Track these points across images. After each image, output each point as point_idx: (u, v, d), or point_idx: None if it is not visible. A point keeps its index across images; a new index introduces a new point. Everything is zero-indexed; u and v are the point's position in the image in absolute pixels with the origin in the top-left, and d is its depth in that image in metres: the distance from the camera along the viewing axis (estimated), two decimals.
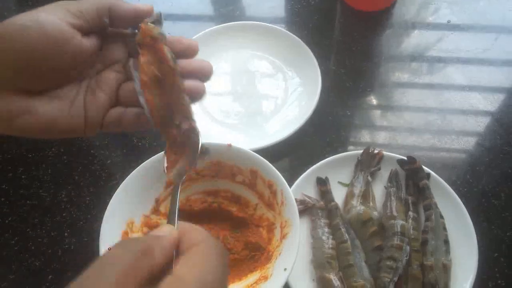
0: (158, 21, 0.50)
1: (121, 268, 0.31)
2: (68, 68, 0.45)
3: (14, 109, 0.42)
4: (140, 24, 0.48)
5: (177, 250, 0.37)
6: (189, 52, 0.50)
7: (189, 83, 0.49)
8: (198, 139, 0.49)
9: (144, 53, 0.47)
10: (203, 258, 0.35)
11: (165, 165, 0.48)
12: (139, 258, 0.33)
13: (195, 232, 0.38)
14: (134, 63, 0.48)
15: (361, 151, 0.83)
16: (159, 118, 0.48)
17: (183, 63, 0.49)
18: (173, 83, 0.47)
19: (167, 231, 0.38)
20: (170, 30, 1.10)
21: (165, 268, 0.35)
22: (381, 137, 0.91)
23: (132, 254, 0.32)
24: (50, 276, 0.79)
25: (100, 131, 0.48)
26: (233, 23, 1.05)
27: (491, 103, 0.93)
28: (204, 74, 0.51)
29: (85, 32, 0.45)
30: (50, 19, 0.42)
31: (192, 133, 0.49)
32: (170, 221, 0.42)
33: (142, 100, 0.47)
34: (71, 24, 0.43)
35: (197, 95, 0.49)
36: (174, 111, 0.48)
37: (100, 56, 0.49)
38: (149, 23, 0.48)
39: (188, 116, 0.49)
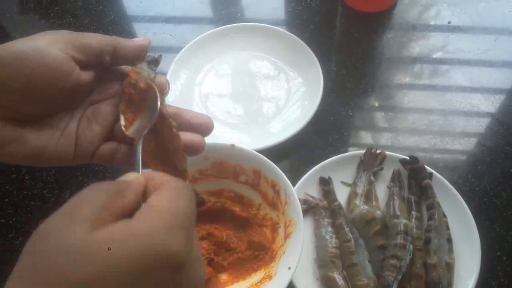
0: (158, 60, 0.50)
1: (97, 205, 0.33)
2: (63, 99, 0.44)
3: (3, 136, 0.42)
4: (129, 73, 0.48)
5: (143, 196, 0.38)
6: (203, 130, 0.50)
7: (188, 137, 0.49)
8: (156, 96, 0.48)
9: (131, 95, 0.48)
10: (172, 191, 0.36)
11: (123, 123, 0.48)
12: (113, 197, 0.34)
13: (160, 175, 0.39)
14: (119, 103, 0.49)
15: (364, 151, 0.83)
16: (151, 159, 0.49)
17: (186, 115, 0.50)
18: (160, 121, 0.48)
19: (133, 176, 0.38)
20: (171, 32, 1.11)
21: (136, 208, 0.36)
22: (383, 137, 0.91)
23: (106, 194, 0.34)
24: None
25: (89, 162, 0.48)
26: (234, 24, 1.06)
27: (492, 103, 0.94)
28: (204, 129, 0.51)
29: (85, 66, 0.44)
30: (52, 50, 0.41)
31: (150, 92, 0.48)
32: (135, 170, 0.43)
33: None
34: (73, 57, 0.43)
35: (195, 149, 0.49)
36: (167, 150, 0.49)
37: (98, 87, 0.48)
38: (143, 65, 0.48)
39: (178, 150, 0.49)
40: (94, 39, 0.45)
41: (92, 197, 0.34)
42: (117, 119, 0.49)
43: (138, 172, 0.43)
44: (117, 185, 0.36)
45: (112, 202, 0.34)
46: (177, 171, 0.49)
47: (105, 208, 0.33)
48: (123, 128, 0.48)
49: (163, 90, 0.50)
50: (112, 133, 0.49)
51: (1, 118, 0.42)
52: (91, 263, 0.30)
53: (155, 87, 0.48)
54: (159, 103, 0.47)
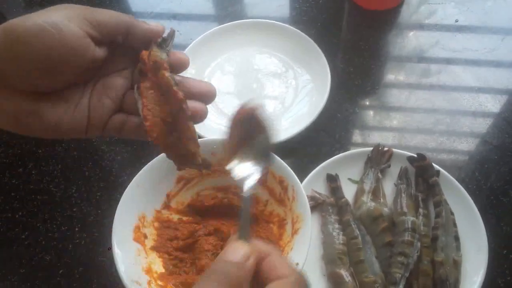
0: (168, 38, 0.49)
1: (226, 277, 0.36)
2: (79, 74, 0.45)
3: (21, 110, 0.43)
4: (142, 53, 0.47)
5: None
6: (179, 67, 0.50)
7: (191, 105, 0.48)
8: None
9: (145, 80, 0.47)
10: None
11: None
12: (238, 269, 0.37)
13: (281, 263, 0.40)
14: (137, 89, 0.48)
15: (371, 148, 0.83)
16: (160, 139, 0.48)
17: (189, 84, 0.49)
18: (176, 107, 0.47)
19: (242, 254, 0.39)
20: (178, 29, 1.10)
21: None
22: (390, 135, 0.91)
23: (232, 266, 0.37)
24: (60, 271, 0.79)
25: (100, 134, 0.49)
26: (241, 21, 1.05)
27: (499, 102, 0.94)
28: (208, 97, 0.51)
29: (99, 43, 0.45)
30: (70, 27, 0.41)
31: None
32: (241, 236, 0.42)
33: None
34: (89, 34, 0.43)
35: (198, 117, 0.49)
36: (177, 132, 0.49)
37: (109, 62, 0.48)
38: (154, 49, 0.47)
39: (191, 137, 0.49)
40: (110, 17, 0.45)
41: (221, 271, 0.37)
42: (126, 92, 0.49)
43: (247, 234, 0.42)
44: (233, 273, 0.38)
45: (237, 274, 0.37)
46: (189, 152, 0.49)
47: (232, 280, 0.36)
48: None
49: (183, 66, 0.50)
50: (122, 105, 0.49)
51: (19, 91, 0.42)
52: None
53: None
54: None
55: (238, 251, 0.39)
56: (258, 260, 0.39)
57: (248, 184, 0.45)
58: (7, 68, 0.41)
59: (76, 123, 0.46)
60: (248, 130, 0.48)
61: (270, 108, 0.94)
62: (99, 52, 0.45)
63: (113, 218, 0.68)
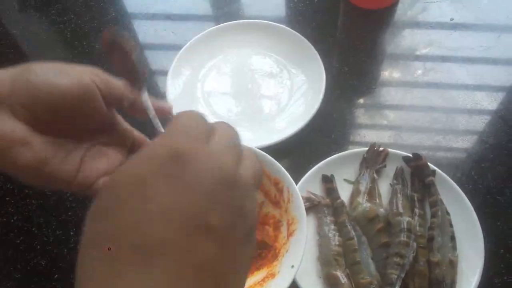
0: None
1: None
2: (78, 124, 0.46)
3: (15, 136, 0.42)
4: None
5: None
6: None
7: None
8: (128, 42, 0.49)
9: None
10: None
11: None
12: None
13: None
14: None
15: (366, 148, 0.83)
16: None
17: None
18: None
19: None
20: (173, 30, 1.10)
21: None
22: (386, 135, 0.91)
23: None
24: (56, 275, 0.78)
25: (86, 193, 0.47)
26: (236, 21, 1.05)
27: (495, 100, 0.93)
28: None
29: (105, 99, 0.46)
30: (82, 76, 0.43)
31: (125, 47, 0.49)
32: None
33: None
34: (98, 87, 0.45)
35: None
36: None
37: (109, 133, 0.50)
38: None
39: None
40: (120, 83, 0.48)
41: None
42: (120, 164, 0.50)
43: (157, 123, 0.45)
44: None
45: None
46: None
47: None
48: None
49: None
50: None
51: (18, 118, 0.42)
52: None
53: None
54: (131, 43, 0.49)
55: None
56: None
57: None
58: (15, 97, 0.41)
59: (65, 170, 0.45)
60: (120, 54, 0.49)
61: (266, 109, 0.94)
62: (104, 108, 0.46)
63: None
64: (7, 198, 0.87)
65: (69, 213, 0.84)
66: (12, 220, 0.84)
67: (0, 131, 0.41)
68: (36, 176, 0.44)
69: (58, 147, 0.45)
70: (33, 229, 0.83)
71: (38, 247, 0.81)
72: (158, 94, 0.99)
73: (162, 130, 0.45)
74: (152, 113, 0.49)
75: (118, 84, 0.47)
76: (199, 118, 0.35)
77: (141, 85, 0.49)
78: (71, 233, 0.82)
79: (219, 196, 0.30)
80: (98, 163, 0.48)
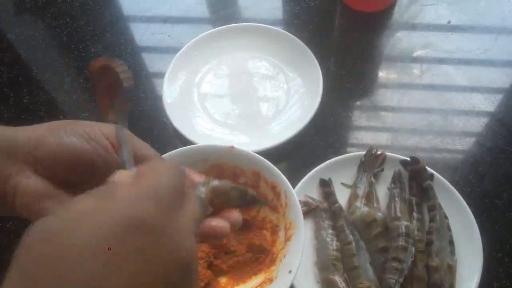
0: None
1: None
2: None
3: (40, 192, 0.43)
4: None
5: None
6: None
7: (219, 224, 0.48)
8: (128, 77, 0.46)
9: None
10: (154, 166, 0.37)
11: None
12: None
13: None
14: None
15: (364, 152, 0.83)
16: None
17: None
18: None
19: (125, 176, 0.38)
20: (169, 33, 1.10)
21: None
22: (383, 138, 0.90)
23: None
24: None
25: None
26: (232, 25, 1.05)
27: (493, 103, 0.93)
28: (234, 222, 0.50)
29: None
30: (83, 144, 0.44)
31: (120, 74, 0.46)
32: (127, 166, 0.43)
33: None
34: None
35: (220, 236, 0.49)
36: None
37: None
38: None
39: None
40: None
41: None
42: None
43: (130, 166, 0.43)
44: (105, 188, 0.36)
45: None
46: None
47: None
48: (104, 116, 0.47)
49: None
50: None
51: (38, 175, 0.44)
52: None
53: (112, 62, 0.46)
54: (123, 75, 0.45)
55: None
56: None
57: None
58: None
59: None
60: (107, 82, 0.47)
61: (263, 112, 0.93)
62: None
63: None
64: None
65: None
66: (7, 225, 0.84)
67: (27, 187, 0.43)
68: None
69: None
70: None
71: None
72: (154, 97, 0.98)
73: (133, 169, 0.42)
74: (127, 148, 0.45)
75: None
76: (176, 180, 0.35)
77: (124, 119, 0.46)
78: None
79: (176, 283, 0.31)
80: None
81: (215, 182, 0.48)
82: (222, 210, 0.48)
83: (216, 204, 0.48)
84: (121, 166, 0.43)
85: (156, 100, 0.97)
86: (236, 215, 0.49)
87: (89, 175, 0.44)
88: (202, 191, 0.47)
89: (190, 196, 0.37)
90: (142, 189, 0.33)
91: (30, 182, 0.42)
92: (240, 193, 0.50)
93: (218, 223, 0.47)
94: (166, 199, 0.33)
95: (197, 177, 0.49)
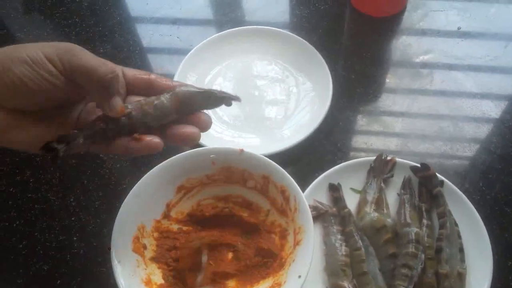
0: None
1: None
2: (55, 100, 0.48)
3: (4, 124, 0.45)
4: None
5: None
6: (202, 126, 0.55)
7: (187, 129, 0.53)
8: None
9: None
10: None
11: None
12: None
13: None
14: None
15: (374, 157, 0.82)
16: None
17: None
18: None
19: None
20: (178, 34, 1.10)
21: None
22: (393, 143, 0.90)
23: None
24: (58, 281, 0.78)
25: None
26: (242, 27, 1.05)
27: (502, 110, 0.93)
28: (203, 126, 0.54)
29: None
30: (45, 65, 0.44)
31: None
32: None
33: None
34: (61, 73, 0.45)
35: (190, 141, 0.54)
36: None
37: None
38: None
39: None
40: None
41: None
42: None
43: None
44: None
45: None
46: None
47: None
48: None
49: (207, 127, 0.56)
50: None
51: (3, 108, 0.45)
52: None
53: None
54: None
55: None
56: None
57: None
58: None
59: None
60: None
61: (272, 116, 0.93)
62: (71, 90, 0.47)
63: (112, 227, 0.67)
64: (9, 202, 0.86)
65: (73, 218, 0.83)
66: (14, 225, 0.84)
67: None
68: (35, 150, 0.48)
69: (49, 121, 0.48)
70: (36, 234, 0.83)
71: (41, 252, 0.81)
72: None
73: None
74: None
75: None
76: None
77: None
78: (74, 238, 0.81)
79: None
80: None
81: (181, 89, 0.53)
82: (191, 115, 0.53)
83: (183, 109, 0.53)
84: None
85: None
86: (204, 117, 0.54)
87: (44, 100, 0.46)
88: (167, 97, 0.52)
89: None
90: None
91: None
92: (204, 94, 0.54)
93: (186, 129, 0.52)
94: None
95: (164, 83, 0.53)
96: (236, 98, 0.57)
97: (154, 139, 0.51)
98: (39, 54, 0.43)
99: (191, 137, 0.53)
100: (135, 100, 0.53)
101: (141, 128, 0.52)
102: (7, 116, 0.45)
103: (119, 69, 0.50)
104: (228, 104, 0.56)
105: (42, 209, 0.85)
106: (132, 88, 0.52)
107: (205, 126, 0.54)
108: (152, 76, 0.53)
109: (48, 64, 0.44)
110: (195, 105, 0.54)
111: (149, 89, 0.53)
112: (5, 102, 0.44)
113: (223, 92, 0.56)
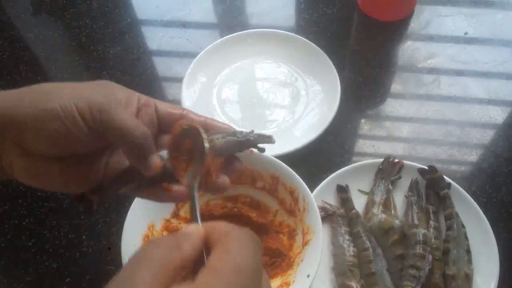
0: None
1: (154, 265, 0.32)
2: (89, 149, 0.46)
3: (31, 169, 0.44)
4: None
5: (207, 249, 0.36)
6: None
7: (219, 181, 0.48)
8: (202, 138, 0.46)
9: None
10: (235, 245, 0.34)
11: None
12: (170, 252, 0.33)
13: (221, 225, 0.37)
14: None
15: (381, 160, 0.83)
16: None
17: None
18: None
19: (193, 228, 0.37)
20: (188, 37, 1.11)
21: (198, 264, 0.35)
22: (400, 147, 0.90)
23: (163, 250, 0.33)
24: (67, 279, 0.78)
25: None
26: (251, 30, 1.05)
27: (509, 115, 0.93)
28: (233, 172, 0.50)
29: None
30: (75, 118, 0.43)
31: (194, 134, 0.47)
32: (194, 222, 0.42)
33: None
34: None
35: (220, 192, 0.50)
36: None
37: None
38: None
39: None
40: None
41: (150, 256, 0.32)
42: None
43: (197, 222, 0.42)
44: (174, 238, 0.35)
45: (169, 258, 0.33)
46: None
47: (163, 266, 0.32)
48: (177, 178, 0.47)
49: None
50: None
51: (32, 154, 0.43)
52: None
53: (197, 126, 0.47)
54: (206, 144, 0.45)
55: (190, 227, 0.38)
56: (204, 240, 0.37)
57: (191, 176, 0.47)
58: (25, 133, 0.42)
59: (89, 183, 0.47)
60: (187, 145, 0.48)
61: (280, 118, 0.93)
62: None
63: (121, 226, 0.68)
64: (19, 201, 0.86)
65: (82, 217, 0.84)
66: (24, 223, 0.84)
67: (19, 165, 0.44)
68: (66, 190, 0.47)
69: (76, 167, 0.46)
70: (45, 232, 0.83)
71: (50, 250, 0.81)
72: (172, 101, 0.99)
73: (199, 223, 0.41)
74: (197, 205, 0.44)
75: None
76: (251, 254, 0.34)
77: (197, 182, 0.46)
78: (84, 237, 0.82)
79: None
80: (124, 161, 0.48)
81: (219, 141, 0.48)
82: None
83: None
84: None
85: (174, 103, 0.98)
86: (236, 165, 0.50)
87: (71, 150, 0.44)
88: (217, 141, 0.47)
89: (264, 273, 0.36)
90: (229, 280, 0.32)
91: (20, 161, 0.43)
92: (242, 144, 0.49)
93: (218, 179, 0.48)
94: (254, 284, 0.33)
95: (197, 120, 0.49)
96: (270, 140, 0.51)
97: (180, 190, 0.47)
98: (72, 107, 0.42)
99: (222, 189, 0.49)
100: (166, 138, 0.49)
101: (172, 178, 0.48)
102: (33, 161, 0.44)
103: (151, 103, 0.48)
104: (262, 150, 0.51)
105: (52, 207, 0.86)
106: (164, 124, 0.49)
107: (234, 172, 0.50)
108: (185, 112, 0.49)
109: (79, 121, 0.42)
110: (230, 153, 0.50)
111: None
112: (33, 149, 0.43)
113: (258, 136, 0.50)
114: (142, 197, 0.50)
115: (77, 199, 0.47)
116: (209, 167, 0.46)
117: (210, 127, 0.49)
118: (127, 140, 0.43)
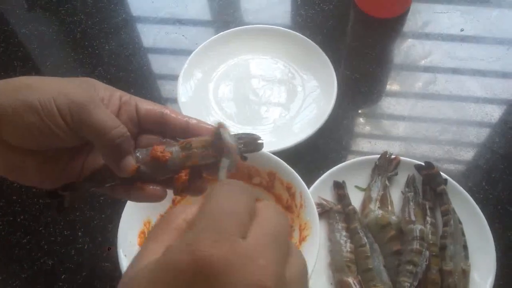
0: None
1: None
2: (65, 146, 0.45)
3: (8, 163, 0.44)
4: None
5: None
6: None
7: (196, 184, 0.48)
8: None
9: None
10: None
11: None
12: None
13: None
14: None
15: (378, 156, 0.83)
16: None
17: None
18: None
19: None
20: (183, 33, 1.10)
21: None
22: (397, 143, 0.90)
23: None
24: (63, 276, 0.78)
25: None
26: (247, 26, 1.05)
27: (505, 111, 0.94)
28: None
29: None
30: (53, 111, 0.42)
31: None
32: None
33: None
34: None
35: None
36: None
37: None
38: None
39: None
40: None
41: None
42: None
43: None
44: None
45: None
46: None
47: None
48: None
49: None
50: None
51: (8, 145, 0.43)
52: None
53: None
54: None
55: None
56: None
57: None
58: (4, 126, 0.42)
59: (65, 180, 0.46)
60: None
61: (276, 114, 0.93)
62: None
63: (117, 222, 0.68)
64: (14, 197, 0.86)
65: (77, 213, 0.84)
66: (18, 220, 0.84)
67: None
68: (41, 186, 0.47)
69: (54, 163, 0.46)
70: (40, 228, 0.83)
71: (45, 247, 0.81)
72: (168, 97, 0.99)
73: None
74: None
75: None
76: (238, 196, 0.31)
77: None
78: (79, 233, 0.82)
79: None
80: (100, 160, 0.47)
81: (198, 150, 0.46)
82: None
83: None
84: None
85: (168, 101, 0.98)
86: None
87: (48, 145, 0.44)
88: (178, 151, 0.46)
89: (262, 212, 0.32)
90: (199, 222, 0.30)
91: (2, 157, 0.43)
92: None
93: (196, 183, 0.47)
94: (227, 224, 0.29)
95: (178, 120, 0.49)
96: (256, 148, 0.49)
97: (155, 190, 0.46)
98: (51, 104, 0.41)
99: (201, 191, 0.48)
100: (146, 137, 0.49)
101: (148, 179, 0.47)
102: (10, 154, 0.43)
103: (132, 102, 0.47)
104: (244, 158, 0.49)
105: (46, 204, 0.85)
106: (145, 124, 0.48)
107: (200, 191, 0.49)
108: (166, 111, 0.48)
109: (57, 117, 0.41)
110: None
111: (163, 125, 0.48)
112: (11, 141, 0.42)
113: (244, 145, 0.48)
114: (117, 197, 0.49)
115: (49, 196, 0.47)
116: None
117: (192, 129, 0.48)
118: (103, 140, 0.43)
